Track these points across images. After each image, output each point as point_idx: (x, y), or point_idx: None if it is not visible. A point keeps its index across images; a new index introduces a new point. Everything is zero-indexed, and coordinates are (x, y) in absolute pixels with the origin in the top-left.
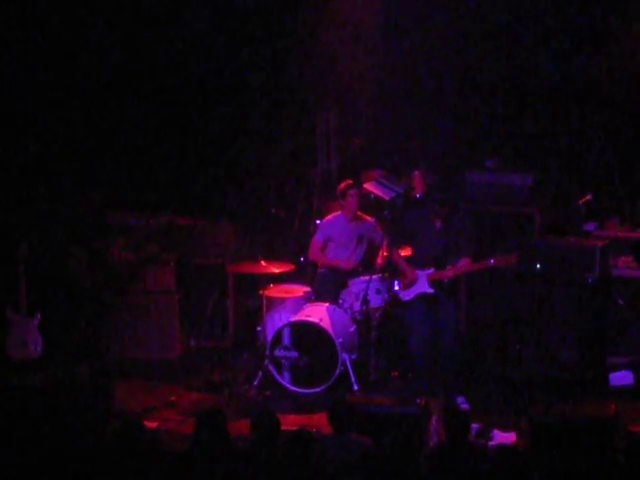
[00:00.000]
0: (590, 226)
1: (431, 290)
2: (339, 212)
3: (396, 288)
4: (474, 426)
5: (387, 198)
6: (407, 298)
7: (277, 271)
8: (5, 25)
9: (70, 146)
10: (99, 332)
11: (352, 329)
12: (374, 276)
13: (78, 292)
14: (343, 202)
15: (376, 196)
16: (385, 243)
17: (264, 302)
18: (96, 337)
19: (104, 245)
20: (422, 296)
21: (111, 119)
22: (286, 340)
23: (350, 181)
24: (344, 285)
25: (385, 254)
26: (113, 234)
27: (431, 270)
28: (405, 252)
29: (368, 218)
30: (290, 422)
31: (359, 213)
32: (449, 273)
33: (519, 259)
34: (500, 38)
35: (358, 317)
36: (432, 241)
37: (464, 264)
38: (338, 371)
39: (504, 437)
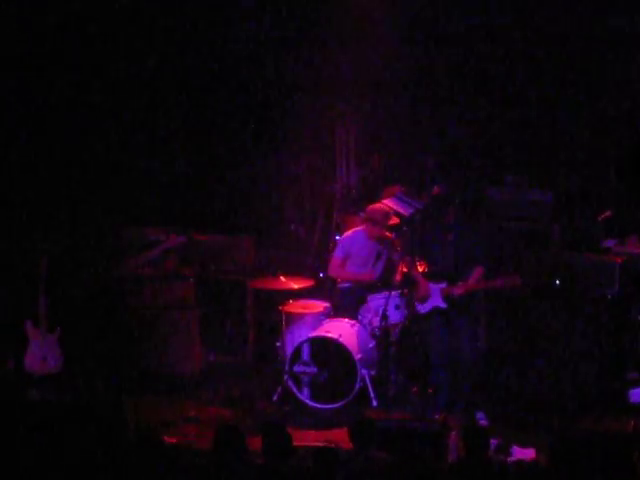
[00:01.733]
0: (610, 242)
1: (444, 305)
2: (359, 228)
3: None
4: (493, 442)
5: (406, 214)
6: (423, 311)
7: (296, 287)
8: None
9: (88, 161)
10: (121, 352)
11: (371, 345)
12: (393, 292)
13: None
14: (372, 227)
15: (395, 212)
16: (404, 258)
17: (283, 318)
18: (111, 353)
19: (109, 264)
20: (437, 310)
21: (129, 134)
22: (305, 356)
23: (387, 211)
24: (363, 301)
25: (404, 270)
26: (131, 252)
27: (444, 284)
28: (421, 267)
29: (387, 234)
30: (309, 438)
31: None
32: (459, 290)
33: (524, 280)
34: (518, 48)
35: (377, 333)
36: (444, 254)
37: (475, 278)
38: (357, 387)
39: (523, 453)
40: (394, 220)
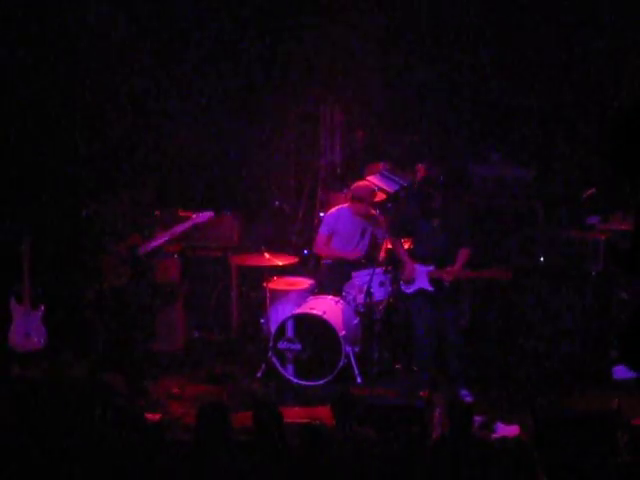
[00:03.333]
0: (594, 219)
1: (431, 288)
2: (344, 205)
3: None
4: (477, 419)
5: (391, 191)
6: (408, 292)
7: (281, 263)
8: None
9: (74, 138)
10: (133, 330)
11: (355, 322)
12: (377, 269)
13: (113, 290)
14: (357, 204)
15: (380, 188)
16: (388, 236)
17: (268, 294)
18: (127, 337)
19: (138, 239)
20: (422, 292)
21: (115, 110)
22: (290, 332)
23: (372, 188)
24: (348, 278)
25: (388, 247)
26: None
27: (431, 268)
28: (407, 244)
29: (372, 211)
30: (293, 414)
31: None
32: (448, 277)
33: (514, 274)
34: (502, 32)
35: (361, 310)
36: (431, 238)
37: (462, 260)
38: (341, 364)
39: (507, 430)
40: (379, 197)
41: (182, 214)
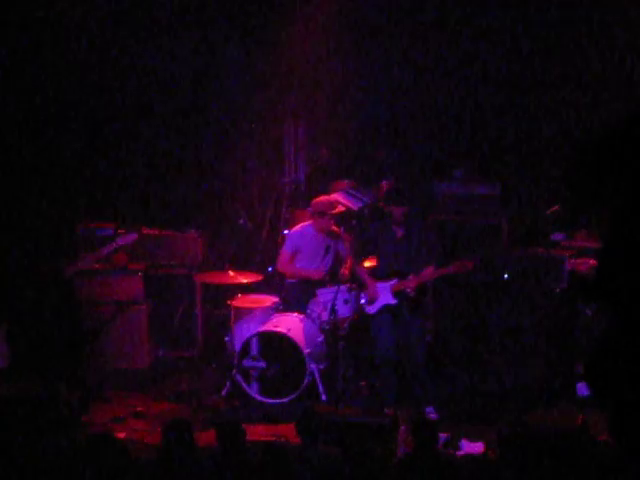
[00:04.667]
0: (558, 236)
1: (394, 301)
2: (307, 222)
3: (362, 301)
4: (442, 436)
5: (355, 208)
6: (372, 311)
7: (245, 281)
8: None
9: (37, 157)
10: (72, 348)
11: (320, 339)
12: (342, 286)
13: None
14: (319, 219)
15: (344, 206)
16: (348, 257)
17: (232, 312)
18: (70, 353)
19: (63, 262)
20: (387, 307)
21: (77, 130)
22: (254, 350)
23: (332, 203)
24: (312, 295)
25: (351, 264)
26: (81, 248)
27: (394, 281)
28: (371, 262)
29: (335, 229)
30: (258, 432)
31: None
32: (411, 283)
33: (475, 265)
34: (466, 49)
35: (326, 327)
36: (394, 251)
37: (427, 273)
38: (306, 381)
39: (472, 447)
40: (339, 208)
41: (146, 232)
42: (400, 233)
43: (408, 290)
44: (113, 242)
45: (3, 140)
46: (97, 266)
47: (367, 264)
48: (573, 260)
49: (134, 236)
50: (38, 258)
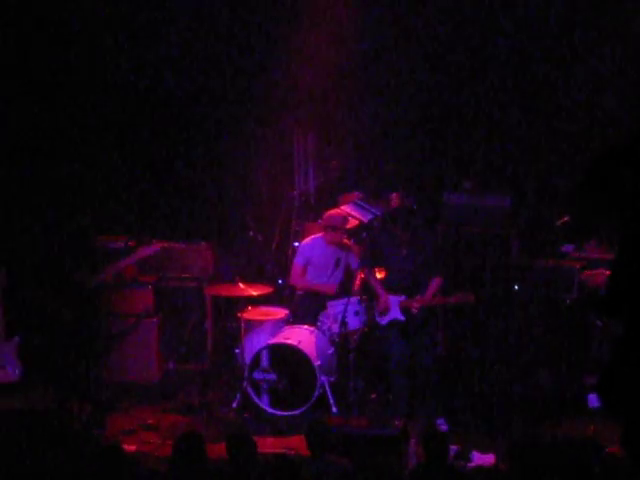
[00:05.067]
0: (568, 247)
1: (402, 317)
2: (318, 235)
3: (375, 313)
4: (453, 448)
5: (365, 220)
6: (383, 322)
7: (255, 293)
8: None
9: (51, 172)
10: (87, 361)
11: (330, 351)
12: (352, 298)
13: (61, 322)
14: (331, 233)
15: (354, 218)
16: (361, 267)
17: (242, 324)
18: (85, 367)
19: (87, 274)
20: (396, 322)
21: (86, 142)
22: (264, 363)
23: (344, 216)
24: (322, 307)
25: (362, 276)
26: (98, 260)
27: (402, 298)
28: (381, 274)
29: (345, 240)
30: (268, 445)
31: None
32: (416, 305)
33: (476, 297)
34: (477, 61)
35: (336, 339)
36: (400, 267)
37: (433, 290)
38: (317, 393)
39: (483, 459)
40: (352, 223)
41: (156, 244)
42: (404, 251)
43: (413, 310)
44: (134, 254)
45: (24, 154)
46: (110, 279)
47: (378, 275)
48: (588, 272)
49: (156, 248)
50: (61, 270)
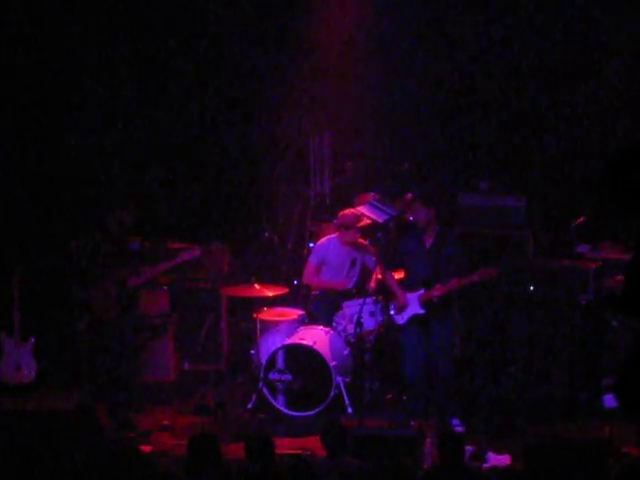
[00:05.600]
0: (583, 248)
1: (423, 311)
2: (333, 235)
3: (392, 312)
4: (468, 448)
5: (380, 221)
6: (401, 322)
7: (271, 294)
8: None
9: (71, 173)
10: (119, 362)
11: (346, 352)
12: (368, 299)
13: (100, 323)
14: (345, 232)
15: (369, 219)
16: (378, 266)
17: (258, 325)
18: (115, 368)
19: (126, 273)
20: (415, 318)
21: (101, 143)
22: (280, 363)
23: (358, 216)
24: (338, 308)
25: (378, 277)
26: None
27: (421, 291)
28: (398, 275)
29: (362, 241)
30: (284, 445)
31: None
32: (437, 291)
33: (500, 272)
34: (494, 61)
35: (352, 340)
36: (422, 262)
37: (453, 282)
38: (332, 394)
39: (498, 459)
40: (365, 221)
41: (171, 246)
42: (429, 243)
43: (434, 299)
44: (177, 257)
45: (46, 153)
46: (163, 278)
47: (396, 276)
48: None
49: (197, 252)
50: (102, 270)
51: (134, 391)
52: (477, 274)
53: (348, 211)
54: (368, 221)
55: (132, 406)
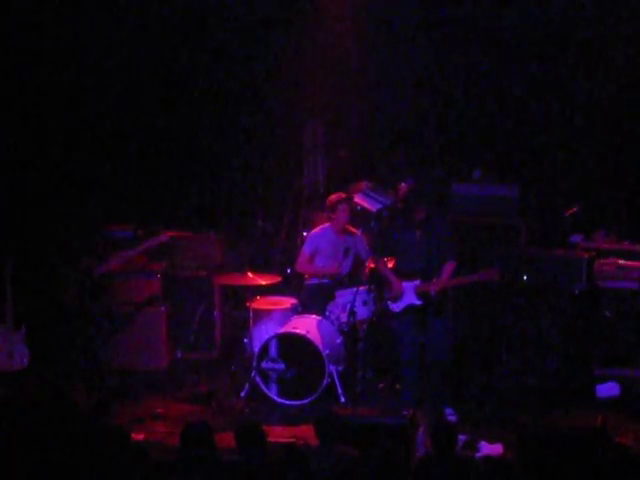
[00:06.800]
0: (576, 238)
1: (419, 302)
2: (327, 224)
3: (387, 300)
4: (461, 437)
5: (374, 210)
6: (397, 310)
7: (264, 283)
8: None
9: (58, 160)
10: (92, 348)
11: (339, 341)
12: (361, 288)
13: (65, 309)
14: (333, 215)
15: (363, 208)
16: (371, 255)
17: (251, 314)
18: (90, 353)
19: (93, 262)
20: (411, 308)
21: (94, 133)
22: (273, 352)
23: (342, 195)
24: (331, 297)
25: (371, 266)
26: (105, 248)
27: (418, 282)
28: (390, 264)
29: (355, 230)
30: (277, 434)
31: (346, 225)
32: (435, 287)
33: (502, 274)
34: (484, 49)
35: (345, 329)
36: (415, 251)
37: (448, 273)
38: (325, 383)
39: (491, 448)
40: (356, 201)
41: (166, 234)
42: (418, 233)
43: (432, 292)
44: (141, 244)
45: (29, 144)
46: (117, 267)
47: (389, 266)
48: (601, 261)
49: (162, 238)
50: (66, 259)
51: (113, 377)
52: (478, 275)
53: (334, 195)
54: (358, 200)
55: (111, 391)
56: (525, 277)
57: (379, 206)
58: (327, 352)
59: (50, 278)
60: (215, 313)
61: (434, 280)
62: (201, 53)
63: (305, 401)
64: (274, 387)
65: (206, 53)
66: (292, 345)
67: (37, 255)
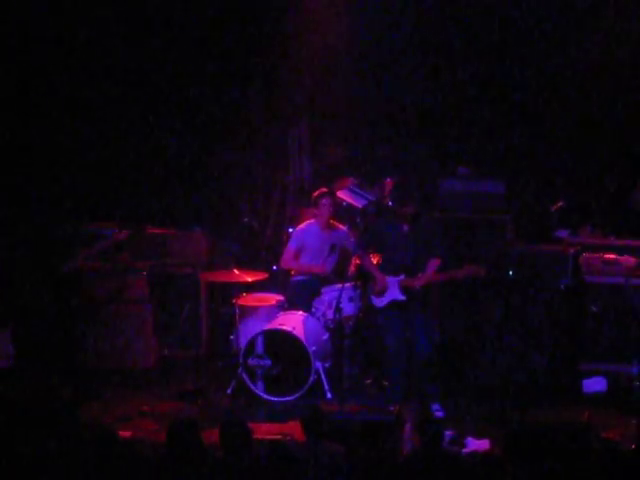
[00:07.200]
0: (562, 233)
1: (403, 297)
2: (312, 220)
3: (371, 295)
4: (448, 433)
5: (359, 206)
6: (380, 305)
7: (250, 280)
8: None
9: (38, 158)
10: (74, 346)
11: (325, 337)
12: (347, 284)
13: (41, 306)
14: (316, 210)
15: (348, 204)
16: (357, 251)
17: (237, 311)
18: (72, 351)
19: (57, 260)
20: (395, 303)
21: (76, 127)
22: (259, 349)
23: (324, 189)
24: (317, 293)
25: (357, 262)
26: (81, 247)
27: (402, 277)
28: (375, 260)
29: (340, 226)
30: (264, 431)
31: (332, 221)
32: (419, 282)
33: (487, 270)
34: (473, 47)
35: (331, 325)
36: (401, 247)
37: (433, 269)
38: (311, 379)
39: (478, 444)
40: (339, 195)
41: (150, 231)
42: (405, 228)
43: (416, 287)
44: (108, 238)
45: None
46: (99, 264)
47: (373, 260)
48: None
49: (124, 234)
50: (36, 257)
51: (89, 376)
52: (462, 271)
53: (317, 191)
54: (341, 194)
55: (85, 390)
56: (511, 272)
57: (364, 202)
58: (313, 349)
59: (22, 276)
60: (201, 310)
61: (419, 275)
62: (184, 49)
63: (291, 397)
64: (260, 384)
65: (189, 48)
66: (278, 342)
67: (9, 253)
